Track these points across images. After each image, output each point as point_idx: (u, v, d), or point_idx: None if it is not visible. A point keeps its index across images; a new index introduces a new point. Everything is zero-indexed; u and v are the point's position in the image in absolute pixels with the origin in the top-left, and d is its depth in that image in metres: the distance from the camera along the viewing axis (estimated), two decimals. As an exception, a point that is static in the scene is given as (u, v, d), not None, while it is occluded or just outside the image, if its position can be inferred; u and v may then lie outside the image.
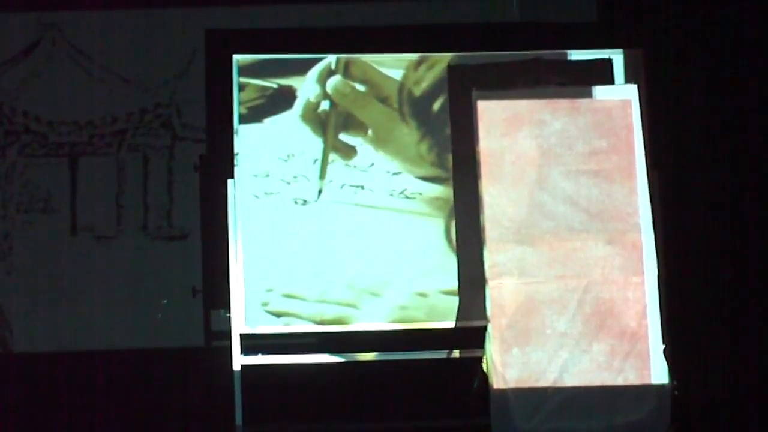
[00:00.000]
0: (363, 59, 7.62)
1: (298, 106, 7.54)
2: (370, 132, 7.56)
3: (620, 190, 7.33)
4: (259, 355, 7.35)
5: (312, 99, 7.55)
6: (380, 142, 7.55)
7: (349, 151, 7.55)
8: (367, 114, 7.60)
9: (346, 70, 7.62)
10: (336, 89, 7.58)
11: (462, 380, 7.40)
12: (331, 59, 7.60)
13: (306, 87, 7.55)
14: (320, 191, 7.45)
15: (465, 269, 7.43)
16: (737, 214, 8.05)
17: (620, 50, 7.68)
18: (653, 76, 7.68)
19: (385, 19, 8.47)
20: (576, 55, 7.71)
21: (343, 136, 7.54)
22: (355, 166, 7.50)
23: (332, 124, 7.55)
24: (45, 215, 8.37)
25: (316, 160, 7.46)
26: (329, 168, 7.47)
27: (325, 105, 7.56)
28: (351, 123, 7.55)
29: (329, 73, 7.60)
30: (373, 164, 7.50)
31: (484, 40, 8.25)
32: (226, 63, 7.57)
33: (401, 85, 7.59)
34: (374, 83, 7.62)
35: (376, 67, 7.61)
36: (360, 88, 7.61)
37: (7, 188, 8.38)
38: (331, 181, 7.48)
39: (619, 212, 7.32)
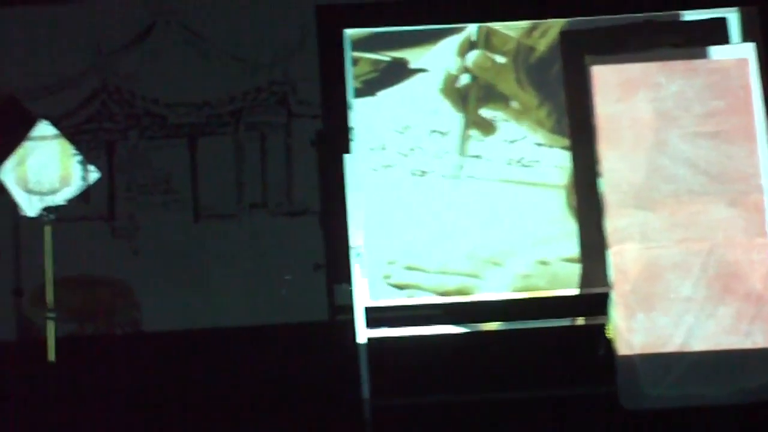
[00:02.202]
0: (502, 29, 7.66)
1: (437, 79, 7.57)
2: (513, 104, 7.57)
3: (740, 151, 7.25)
4: (383, 327, 7.41)
5: (453, 72, 7.58)
6: (517, 113, 7.59)
7: (488, 126, 7.57)
8: (508, 86, 7.63)
9: (486, 42, 7.65)
10: (477, 63, 7.61)
11: (587, 347, 7.48)
12: (471, 31, 7.61)
13: (442, 60, 7.58)
14: (461, 167, 7.49)
15: (586, 236, 7.43)
16: None
17: (735, 8, 7.60)
18: (771, 33, 7.56)
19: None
20: (690, 15, 7.66)
21: (485, 111, 7.56)
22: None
23: (473, 97, 7.58)
24: (167, 196, 8.49)
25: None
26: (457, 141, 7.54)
27: (465, 79, 7.58)
28: (491, 96, 7.57)
29: (470, 45, 7.62)
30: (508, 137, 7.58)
31: (597, 4, 8.13)
32: (337, 38, 7.63)
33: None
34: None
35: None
36: (500, 60, 7.64)
37: (130, 171, 8.50)
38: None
39: (740, 173, 7.23)
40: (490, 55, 7.59)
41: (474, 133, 7.51)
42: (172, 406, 7.78)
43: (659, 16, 7.63)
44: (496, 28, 7.60)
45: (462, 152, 7.49)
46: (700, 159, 7.29)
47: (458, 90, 7.58)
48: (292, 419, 7.64)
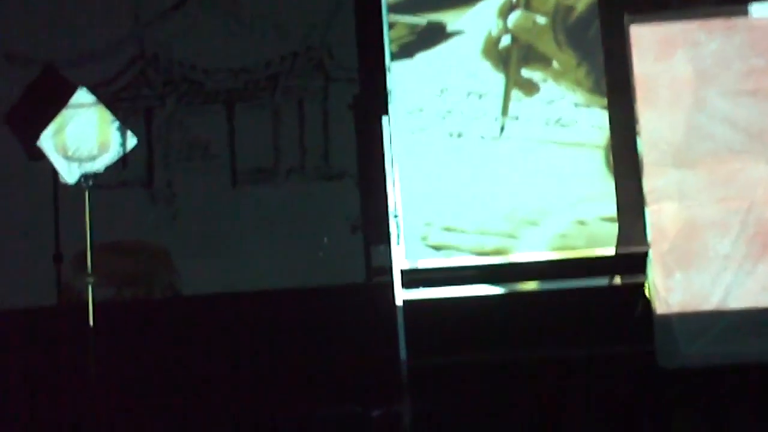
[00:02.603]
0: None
1: (478, 41, 7.60)
2: (554, 64, 7.57)
3: None
4: (421, 288, 7.47)
5: (493, 34, 7.60)
6: (557, 74, 7.60)
7: (530, 87, 7.59)
8: (548, 47, 7.64)
9: (527, 3, 7.65)
10: (518, 24, 7.63)
11: (625, 307, 7.49)
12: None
13: (481, 22, 7.59)
14: (503, 128, 7.52)
15: (623, 195, 7.42)
16: None
17: (776, -35, 7.59)
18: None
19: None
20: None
21: (525, 71, 7.57)
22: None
23: (514, 59, 7.61)
24: (205, 162, 8.55)
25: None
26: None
27: (506, 40, 7.61)
28: (532, 57, 7.59)
29: (510, 6, 7.64)
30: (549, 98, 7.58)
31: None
32: (375, 2, 7.68)
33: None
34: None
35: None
36: (541, 20, 7.64)
37: (168, 137, 8.57)
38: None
39: None
40: (530, 15, 7.62)
41: (516, 93, 7.54)
42: (209, 370, 7.93)
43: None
44: (536, -13, 7.66)
45: (504, 112, 7.52)
46: (740, 117, 7.28)
47: (499, 51, 7.59)
48: (330, 381, 7.79)
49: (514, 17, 7.59)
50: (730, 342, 7.15)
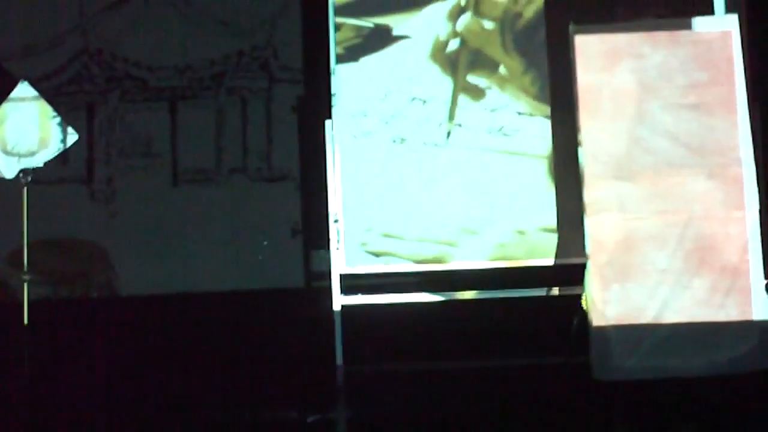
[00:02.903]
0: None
1: (426, 45, 7.71)
2: (502, 70, 7.68)
3: (721, 124, 7.34)
4: (359, 294, 7.57)
5: (441, 38, 7.70)
6: (503, 80, 7.70)
7: (477, 92, 7.69)
8: (497, 52, 7.72)
9: (476, 7, 7.74)
10: (467, 28, 7.70)
11: (561, 318, 7.59)
12: (460, -5, 7.84)
13: (429, 26, 7.70)
14: (449, 133, 7.63)
15: (564, 206, 7.58)
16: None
17: (719, -21, 7.74)
18: (754, 5, 7.72)
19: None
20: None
21: (472, 77, 7.69)
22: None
23: (462, 63, 7.71)
24: (146, 159, 8.63)
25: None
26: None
27: (454, 44, 7.71)
28: (479, 62, 7.70)
29: (460, 10, 7.72)
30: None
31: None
32: (321, 3, 7.75)
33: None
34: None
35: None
36: (489, 25, 7.71)
37: (109, 134, 8.63)
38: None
39: (720, 146, 7.32)
40: (479, 20, 7.71)
41: (462, 99, 7.65)
42: (145, 371, 7.91)
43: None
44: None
45: (451, 118, 7.64)
46: (681, 131, 7.37)
47: (447, 55, 7.70)
48: (266, 385, 7.77)
49: (463, 21, 7.72)
50: (664, 356, 7.24)
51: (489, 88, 7.64)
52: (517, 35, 7.68)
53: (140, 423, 7.55)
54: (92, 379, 7.87)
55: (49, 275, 8.46)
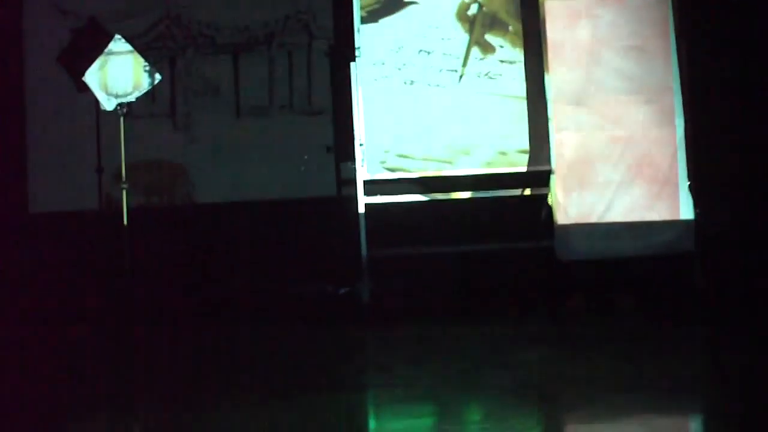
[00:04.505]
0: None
1: (453, 5, 8.99)
2: (510, 29, 9.05)
3: (656, 63, 8.78)
4: (378, 195, 8.86)
5: (466, 1, 9.03)
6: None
7: (487, 47, 8.99)
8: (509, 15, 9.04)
9: None
10: None
11: (533, 212, 8.85)
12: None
13: None
14: (461, 76, 8.95)
15: (535, 127, 8.94)
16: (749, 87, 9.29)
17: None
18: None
19: None
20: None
21: (490, 35, 9.00)
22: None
23: (479, 22, 8.99)
24: (216, 98, 9.63)
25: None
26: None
27: (474, 8, 9.01)
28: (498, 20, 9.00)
29: None
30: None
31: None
32: None
33: None
34: None
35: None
36: None
37: (186, 79, 9.65)
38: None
39: (655, 80, 8.75)
40: None
41: (475, 51, 8.97)
42: (215, 262, 9.18)
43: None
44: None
45: (464, 65, 8.95)
46: (625, 69, 8.80)
47: (468, 16, 8.98)
48: (311, 266, 9.02)
49: None
50: (612, 241, 8.63)
51: (501, 46, 9.02)
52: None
53: (210, 294, 8.87)
54: (177, 268, 9.03)
55: (142, 188, 9.40)
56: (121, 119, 8.93)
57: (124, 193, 8.90)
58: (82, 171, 9.62)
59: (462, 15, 9.07)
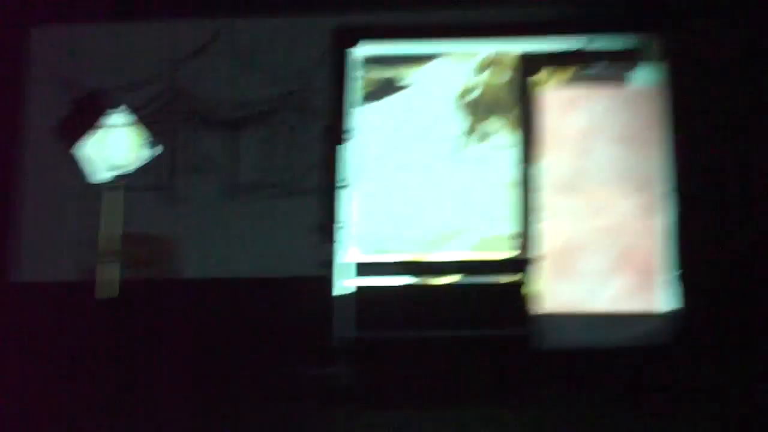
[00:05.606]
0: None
1: (448, 91, 9.08)
2: (505, 116, 9.19)
3: (643, 155, 8.86)
4: (364, 277, 8.89)
5: (469, 85, 9.14)
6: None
7: (480, 133, 9.11)
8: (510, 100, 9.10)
9: (497, 62, 9.11)
10: (490, 79, 9.15)
11: (515, 300, 8.90)
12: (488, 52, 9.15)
13: (459, 74, 9.12)
14: (454, 160, 9.04)
15: (523, 214, 9.02)
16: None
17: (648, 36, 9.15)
18: (676, 66, 8.99)
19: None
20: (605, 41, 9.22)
21: (485, 121, 9.18)
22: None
23: (474, 109, 9.15)
24: (212, 173, 9.45)
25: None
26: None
27: (476, 92, 9.18)
28: (495, 108, 9.12)
29: (487, 64, 9.12)
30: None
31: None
32: (345, 59, 9.04)
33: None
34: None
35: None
36: (506, 77, 9.17)
37: (184, 153, 9.52)
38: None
39: (641, 172, 8.82)
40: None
41: (468, 136, 9.13)
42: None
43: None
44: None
45: (458, 148, 9.10)
46: (613, 159, 8.88)
47: (463, 102, 9.17)
48: (283, 354, 8.90)
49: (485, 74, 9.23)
50: (591, 332, 8.68)
51: (495, 132, 9.14)
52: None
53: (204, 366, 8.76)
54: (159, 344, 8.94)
55: (132, 261, 9.22)
56: (118, 191, 9.03)
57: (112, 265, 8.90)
58: (70, 242, 9.52)
59: (457, 100, 9.22)
